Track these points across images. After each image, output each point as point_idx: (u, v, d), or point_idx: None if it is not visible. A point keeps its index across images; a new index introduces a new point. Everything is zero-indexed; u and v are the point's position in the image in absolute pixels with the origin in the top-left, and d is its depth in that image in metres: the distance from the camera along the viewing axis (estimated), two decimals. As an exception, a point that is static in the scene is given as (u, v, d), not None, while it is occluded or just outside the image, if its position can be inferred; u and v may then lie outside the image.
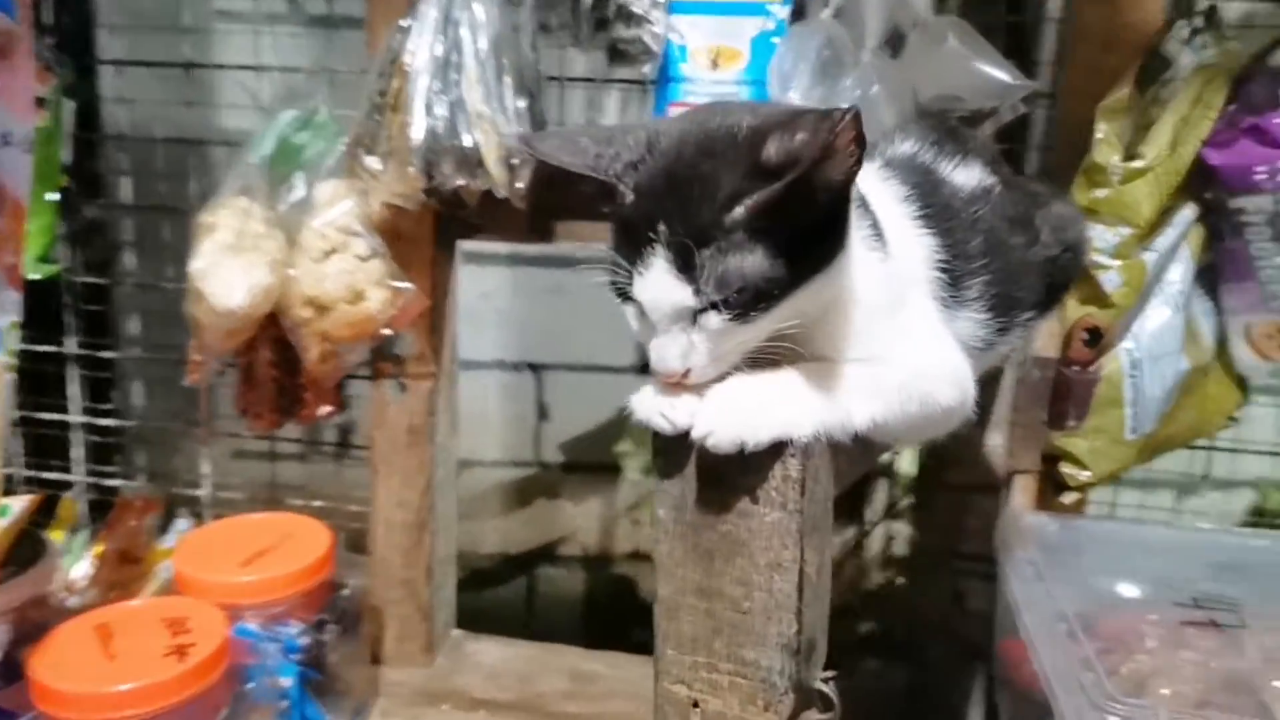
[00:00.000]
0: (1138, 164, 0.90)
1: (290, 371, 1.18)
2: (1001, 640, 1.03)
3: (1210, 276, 0.98)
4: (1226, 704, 0.83)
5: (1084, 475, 0.99)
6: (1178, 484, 1.56)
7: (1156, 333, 0.96)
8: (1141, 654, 0.90)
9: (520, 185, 0.99)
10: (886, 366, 0.57)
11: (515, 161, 0.98)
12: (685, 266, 0.51)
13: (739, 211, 0.50)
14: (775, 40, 0.99)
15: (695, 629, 0.57)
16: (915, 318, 0.60)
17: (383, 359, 1.19)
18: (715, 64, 1.02)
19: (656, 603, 0.59)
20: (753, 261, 0.50)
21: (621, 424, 2.03)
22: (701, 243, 0.50)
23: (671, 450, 0.56)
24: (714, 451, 0.53)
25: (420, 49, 0.99)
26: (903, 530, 2.52)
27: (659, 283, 0.52)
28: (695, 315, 0.52)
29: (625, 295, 0.55)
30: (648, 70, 1.00)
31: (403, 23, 1.00)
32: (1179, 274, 0.96)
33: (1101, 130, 0.93)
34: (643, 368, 2.06)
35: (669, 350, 0.53)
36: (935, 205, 0.63)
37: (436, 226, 1.15)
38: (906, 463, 2.12)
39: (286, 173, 1.15)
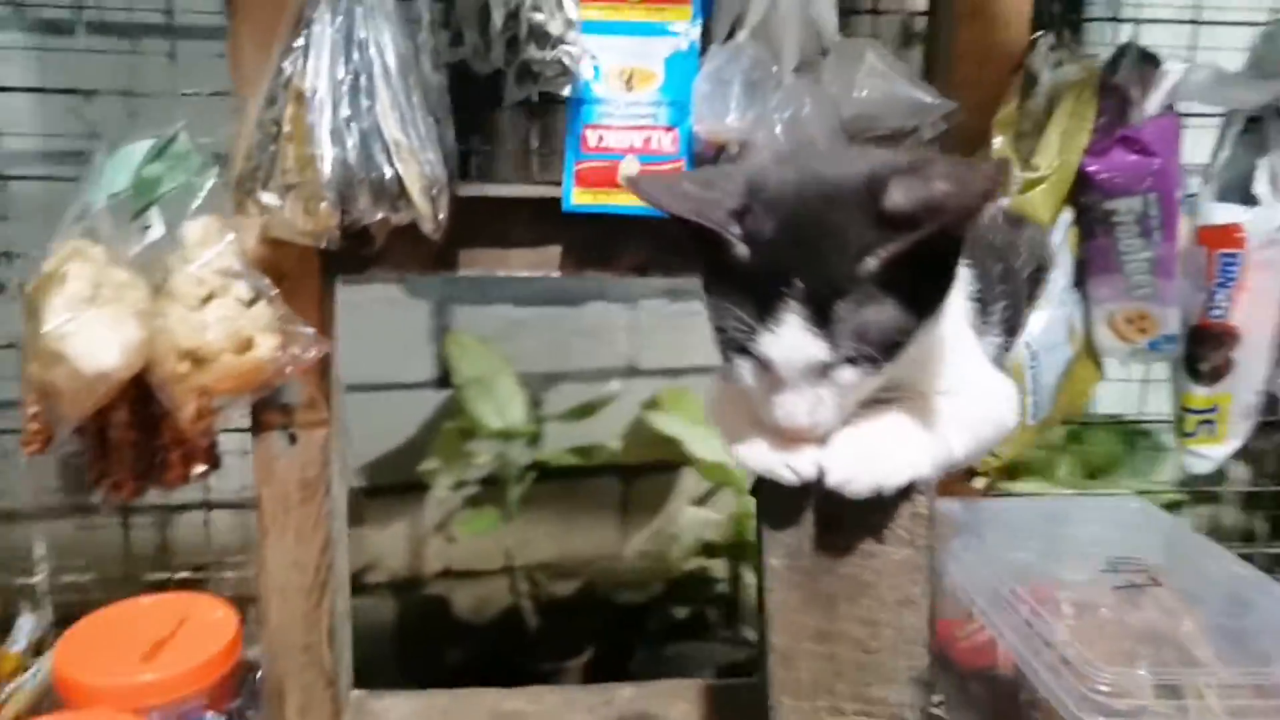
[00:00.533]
0: (1036, 173, 0.99)
1: (148, 431, 1.05)
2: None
3: (1079, 270, 1.09)
4: (1154, 654, 0.94)
5: (994, 460, 1.08)
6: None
7: (1047, 326, 1.05)
8: (1067, 619, 0.99)
9: (442, 216, 0.93)
10: (967, 398, 0.59)
11: (435, 192, 0.92)
12: (821, 321, 0.50)
13: (871, 263, 0.50)
14: (688, 61, 1.00)
15: (815, 674, 0.57)
16: (970, 346, 0.63)
17: (267, 409, 1.08)
18: (630, 85, 1.01)
19: (770, 652, 0.58)
20: (887, 313, 0.51)
21: (425, 440, 1.98)
22: (837, 296, 0.50)
23: (786, 500, 0.56)
24: (850, 498, 0.53)
25: (321, 72, 0.90)
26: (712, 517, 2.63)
27: (793, 339, 0.51)
28: (825, 369, 0.52)
29: (741, 349, 0.53)
30: (567, 92, 0.97)
31: (295, 43, 0.91)
32: (1063, 271, 1.06)
33: (998, 142, 1.00)
34: (441, 381, 2.02)
35: (799, 407, 0.52)
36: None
37: (323, 263, 1.05)
38: (704, 448, 2.22)
39: (137, 210, 1.02)
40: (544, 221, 1.04)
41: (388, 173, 0.90)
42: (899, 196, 0.50)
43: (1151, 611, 1.00)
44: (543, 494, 2.18)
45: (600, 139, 1.02)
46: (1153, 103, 1.00)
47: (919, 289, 0.52)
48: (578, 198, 1.02)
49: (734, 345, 0.53)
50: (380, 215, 0.91)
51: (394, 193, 0.91)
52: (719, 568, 2.65)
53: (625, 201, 1.01)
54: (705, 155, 1.00)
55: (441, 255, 1.05)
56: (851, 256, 0.50)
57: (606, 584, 2.74)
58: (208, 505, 1.31)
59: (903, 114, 0.94)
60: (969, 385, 0.60)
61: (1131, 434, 1.68)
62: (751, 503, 1.23)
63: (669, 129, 1.01)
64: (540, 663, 2.05)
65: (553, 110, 1.09)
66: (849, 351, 0.51)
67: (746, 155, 0.95)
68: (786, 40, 0.97)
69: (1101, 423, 1.59)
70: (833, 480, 0.53)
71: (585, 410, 2.18)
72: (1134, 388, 1.40)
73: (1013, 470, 1.79)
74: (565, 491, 2.46)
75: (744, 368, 0.54)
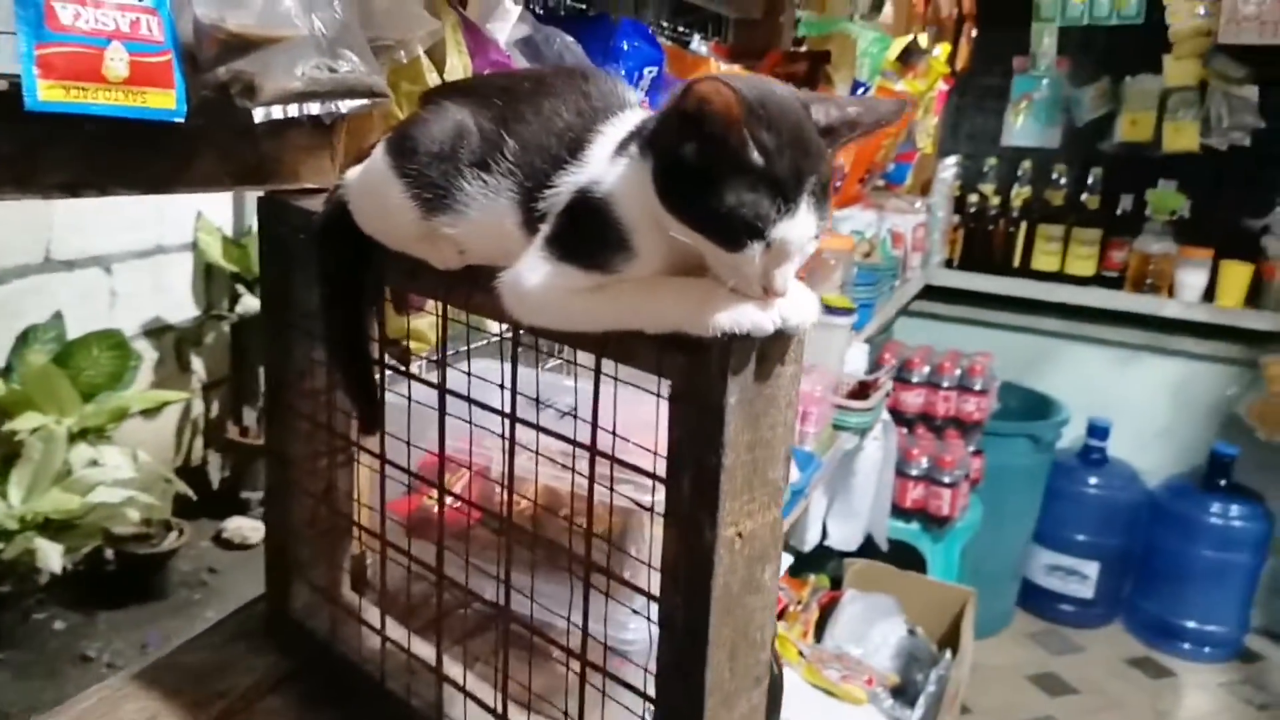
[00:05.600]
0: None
1: None
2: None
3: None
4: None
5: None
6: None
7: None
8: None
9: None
10: None
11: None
12: (818, 207, 0.69)
13: (827, 162, 0.70)
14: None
15: (744, 479, 0.75)
16: None
17: None
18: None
19: (722, 473, 0.74)
20: (827, 199, 0.72)
21: None
22: (823, 189, 0.69)
23: (742, 348, 0.72)
24: (794, 334, 0.73)
25: None
26: None
27: (805, 222, 0.67)
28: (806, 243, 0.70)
29: (757, 236, 0.67)
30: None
31: None
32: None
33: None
34: None
35: (790, 272, 0.69)
36: None
37: None
38: None
39: None
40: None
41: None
42: (821, 116, 0.70)
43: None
44: None
45: (76, 16, 0.80)
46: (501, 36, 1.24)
47: None
48: (45, 93, 0.78)
49: (749, 232, 0.66)
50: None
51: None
52: None
53: (113, 100, 0.83)
54: (205, 52, 0.88)
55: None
56: (825, 159, 0.69)
57: None
58: None
59: (404, 26, 1.00)
60: None
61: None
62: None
63: (153, 12, 0.85)
64: None
65: None
66: (822, 227, 0.70)
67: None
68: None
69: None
70: (792, 324, 0.70)
71: None
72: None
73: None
74: None
75: (754, 251, 0.67)
